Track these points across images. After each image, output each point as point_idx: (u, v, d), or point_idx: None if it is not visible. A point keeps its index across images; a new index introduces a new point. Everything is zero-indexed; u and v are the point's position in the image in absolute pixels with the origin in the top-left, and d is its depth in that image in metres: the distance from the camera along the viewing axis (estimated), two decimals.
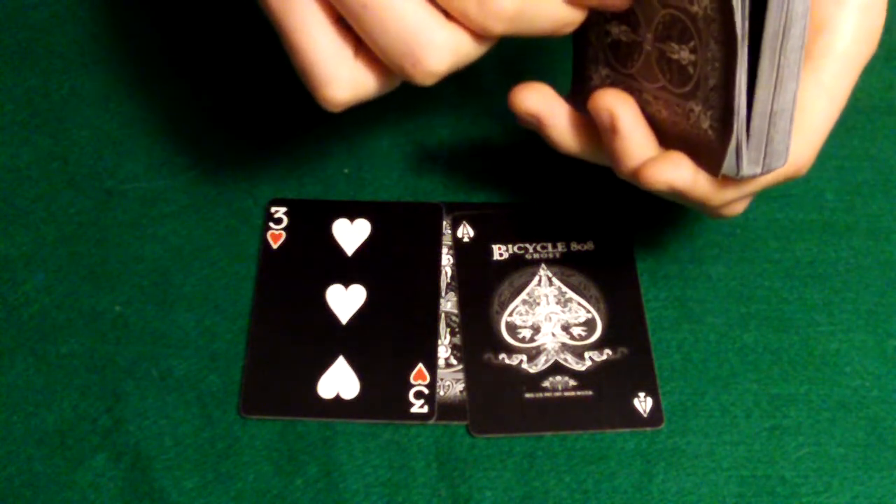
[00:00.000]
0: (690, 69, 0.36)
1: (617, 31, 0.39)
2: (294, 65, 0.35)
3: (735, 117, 0.35)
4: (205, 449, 0.41)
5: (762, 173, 0.36)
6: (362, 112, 0.51)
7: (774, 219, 0.47)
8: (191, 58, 0.52)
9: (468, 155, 0.49)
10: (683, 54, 0.36)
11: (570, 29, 0.36)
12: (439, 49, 0.34)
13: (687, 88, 0.37)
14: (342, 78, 0.35)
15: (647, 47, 0.38)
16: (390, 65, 0.34)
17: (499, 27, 0.34)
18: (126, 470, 0.41)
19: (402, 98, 0.51)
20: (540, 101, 0.39)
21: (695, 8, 0.35)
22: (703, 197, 0.37)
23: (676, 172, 0.37)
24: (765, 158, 0.36)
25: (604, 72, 0.40)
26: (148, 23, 0.53)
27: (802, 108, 0.37)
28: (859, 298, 0.45)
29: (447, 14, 0.34)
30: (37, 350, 0.43)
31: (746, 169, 0.36)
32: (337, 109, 0.36)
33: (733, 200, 0.38)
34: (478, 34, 0.34)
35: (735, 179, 0.37)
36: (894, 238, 0.47)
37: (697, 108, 0.37)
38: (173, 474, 0.40)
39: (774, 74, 0.35)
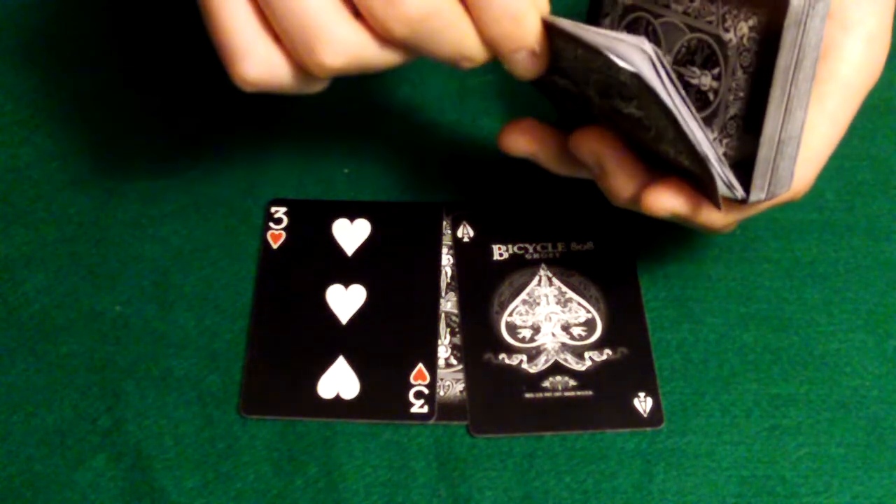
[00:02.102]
0: (711, 95, 0.37)
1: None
2: (211, 38, 0.35)
3: (710, 164, 0.35)
4: (205, 449, 0.41)
5: (766, 199, 0.37)
6: (363, 112, 0.51)
7: (774, 219, 0.47)
8: (191, 58, 0.52)
9: (468, 155, 0.49)
10: (704, 80, 0.37)
11: (468, 65, 0.35)
12: (336, 44, 0.33)
13: (704, 114, 0.37)
14: (257, 54, 0.34)
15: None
16: (289, 50, 0.34)
17: (399, 30, 0.33)
18: (126, 470, 0.41)
19: (402, 98, 0.51)
20: (526, 144, 0.40)
21: (729, 35, 0.36)
22: (706, 221, 0.38)
23: (677, 200, 0.37)
24: (769, 186, 0.37)
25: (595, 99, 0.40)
26: (148, 23, 0.53)
27: (805, 133, 0.37)
28: (859, 298, 0.45)
29: (356, 13, 0.33)
30: (37, 350, 0.43)
31: (752, 195, 0.36)
32: (249, 88, 0.35)
33: (734, 223, 0.39)
34: (381, 37, 0.34)
35: (736, 203, 0.37)
36: (894, 238, 0.47)
37: (713, 135, 0.37)
38: (173, 474, 0.40)
39: (784, 104, 0.35)
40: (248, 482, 0.40)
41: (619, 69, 0.32)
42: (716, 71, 0.36)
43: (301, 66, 0.34)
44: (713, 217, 0.38)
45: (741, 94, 0.36)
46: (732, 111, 0.36)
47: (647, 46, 0.33)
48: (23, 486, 0.40)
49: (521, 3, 0.34)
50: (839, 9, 0.39)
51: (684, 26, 0.37)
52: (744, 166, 0.36)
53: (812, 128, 0.38)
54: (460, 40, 0.34)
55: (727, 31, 0.36)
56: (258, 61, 0.34)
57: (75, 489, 0.40)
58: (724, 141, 0.37)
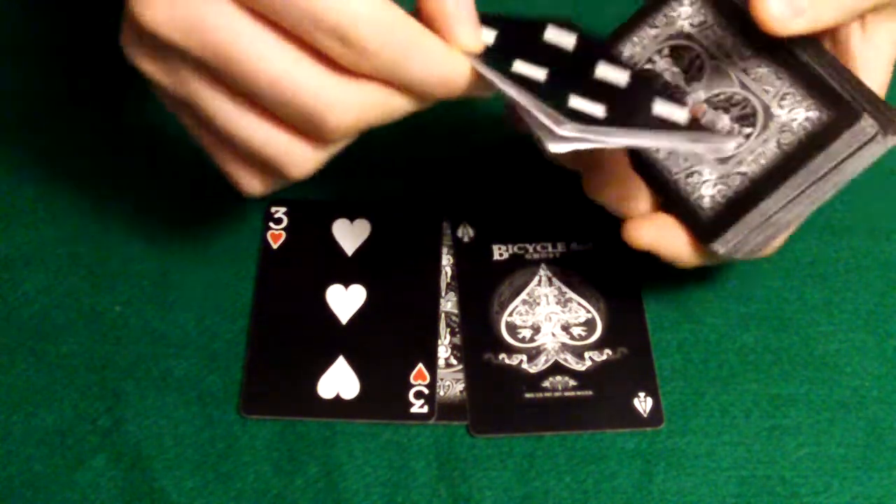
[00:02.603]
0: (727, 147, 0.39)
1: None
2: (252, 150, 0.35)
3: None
4: (205, 449, 0.41)
5: (723, 254, 0.38)
6: None
7: None
8: None
9: (468, 155, 0.49)
10: (724, 124, 0.39)
11: (455, 86, 0.33)
12: (338, 106, 0.32)
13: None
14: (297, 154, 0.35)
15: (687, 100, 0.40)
16: (301, 132, 0.33)
17: (366, 65, 0.31)
18: (126, 470, 0.41)
19: None
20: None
21: (780, 112, 0.37)
22: (674, 257, 0.40)
23: (659, 233, 0.39)
24: (734, 246, 0.38)
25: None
26: None
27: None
28: (859, 298, 0.45)
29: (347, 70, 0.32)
30: (37, 350, 0.43)
31: (717, 245, 0.38)
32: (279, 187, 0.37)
33: (695, 265, 0.40)
34: (379, 81, 0.33)
35: (702, 249, 0.39)
36: (894, 238, 0.47)
37: (707, 175, 0.39)
38: (173, 474, 0.40)
39: (794, 196, 0.37)
40: (248, 482, 0.40)
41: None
42: (747, 130, 0.38)
43: (319, 141, 0.34)
44: (681, 252, 0.39)
45: (762, 162, 0.37)
46: (745, 169, 0.38)
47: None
48: (23, 486, 0.40)
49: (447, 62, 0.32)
50: None
51: (737, 81, 0.39)
52: (724, 218, 0.38)
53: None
54: (436, 60, 0.32)
55: (781, 108, 0.38)
56: (301, 164, 0.35)
57: (75, 489, 0.40)
58: (718, 187, 0.38)
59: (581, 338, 0.44)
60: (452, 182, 0.48)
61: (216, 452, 0.41)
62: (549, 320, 0.44)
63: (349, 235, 0.46)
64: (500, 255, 0.46)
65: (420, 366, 0.43)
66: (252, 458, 0.41)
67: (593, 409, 0.42)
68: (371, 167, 0.49)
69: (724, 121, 0.38)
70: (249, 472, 0.41)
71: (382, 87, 0.33)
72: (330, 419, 0.42)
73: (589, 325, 0.44)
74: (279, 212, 0.47)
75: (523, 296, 0.45)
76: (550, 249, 0.46)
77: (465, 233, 0.47)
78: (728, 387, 0.43)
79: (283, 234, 0.46)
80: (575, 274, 0.45)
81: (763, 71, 0.38)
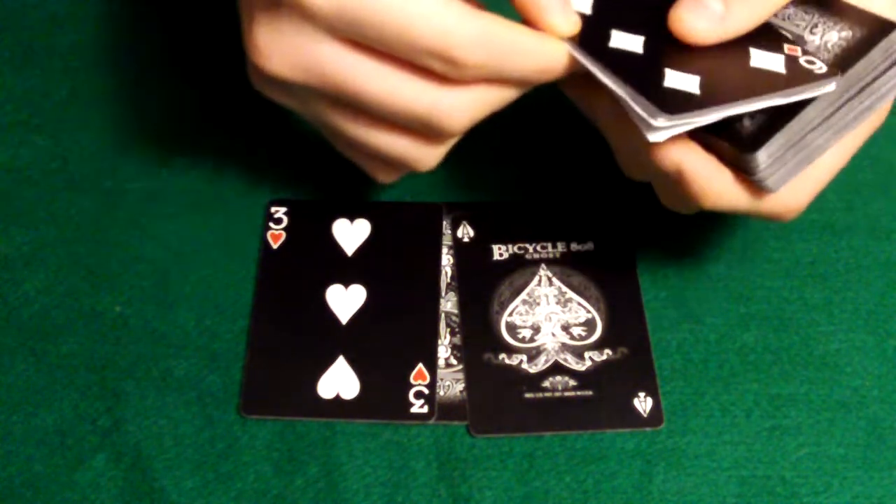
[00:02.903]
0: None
1: None
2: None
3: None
4: (205, 449, 0.41)
5: (762, 171, 0.36)
6: None
7: None
8: (191, 58, 0.52)
9: (468, 155, 0.49)
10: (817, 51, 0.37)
11: (555, 72, 0.35)
12: (454, 112, 0.35)
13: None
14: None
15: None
16: (420, 136, 0.37)
17: (469, 75, 0.34)
18: (126, 470, 0.41)
19: None
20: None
21: (813, 38, 0.37)
22: (704, 189, 0.37)
23: (692, 157, 0.36)
24: (775, 161, 0.36)
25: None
26: (148, 23, 0.53)
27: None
28: (859, 298, 0.45)
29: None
30: (37, 350, 0.43)
31: (760, 153, 0.36)
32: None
33: (719, 208, 0.38)
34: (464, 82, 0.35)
35: (746, 182, 0.37)
36: (894, 238, 0.47)
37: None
38: (173, 474, 0.40)
39: (831, 110, 0.36)
40: (248, 482, 0.40)
41: None
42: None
43: (439, 140, 0.37)
44: (710, 179, 0.37)
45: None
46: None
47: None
48: (23, 486, 0.40)
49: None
50: None
51: (768, 22, 0.37)
52: (766, 129, 0.36)
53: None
54: (534, 49, 0.34)
55: (813, 34, 0.37)
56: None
57: (75, 489, 0.40)
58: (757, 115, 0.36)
59: (581, 338, 0.44)
60: (452, 182, 0.48)
61: (216, 452, 0.41)
62: (549, 320, 0.44)
63: (349, 235, 0.46)
64: (500, 255, 0.46)
65: (420, 366, 0.43)
66: (252, 458, 0.41)
67: (593, 409, 0.42)
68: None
69: (816, 48, 0.37)
70: (249, 472, 0.41)
71: (489, 87, 0.35)
72: (330, 419, 0.42)
73: (589, 325, 0.44)
74: (279, 212, 0.47)
75: (523, 296, 0.45)
76: (550, 249, 0.46)
77: (465, 233, 0.47)
78: (728, 387, 0.43)
79: (283, 234, 0.46)
80: (575, 274, 0.45)
81: (790, 11, 0.38)
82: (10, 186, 0.48)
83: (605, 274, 0.45)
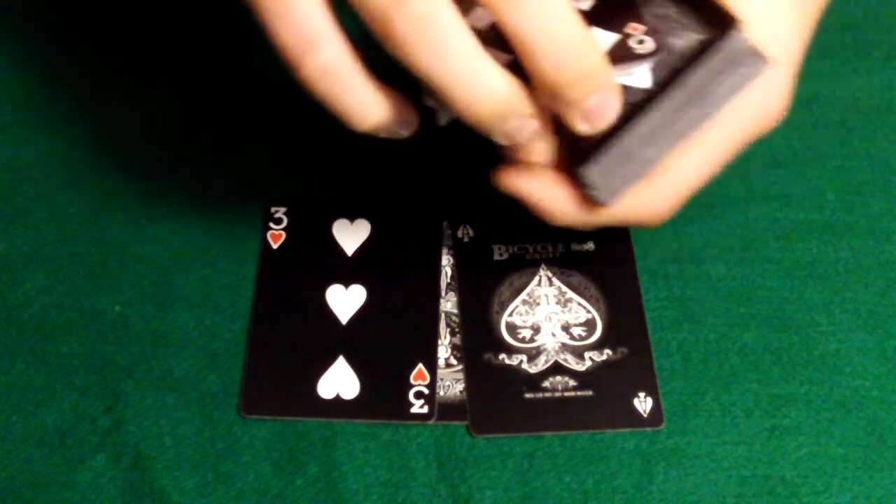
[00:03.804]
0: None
1: None
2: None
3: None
4: (205, 449, 0.41)
5: (594, 184, 0.35)
6: None
7: (774, 219, 0.47)
8: (191, 58, 0.52)
9: (468, 155, 0.49)
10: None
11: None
12: (488, 91, 0.31)
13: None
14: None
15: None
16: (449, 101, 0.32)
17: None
18: (126, 470, 0.41)
19: None
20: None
21: (680, 42, 0.35)
22: (547, 212, 0.36)
23: (529, 184, 0.36)
24: (606, 173, 0.35)
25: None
26: (148, 23, 0.53)
27: (672, 161, 0.36)
28: (859, 298, 0.45)
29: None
30: (37, 350, 0.43)
31: (588, 169, 0.35)
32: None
33: (573, 225, 0.37)
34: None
35: (588, 201, 0.36)
36: (894, 238, 0.47)
37: None
38: (173, 474, 0.40)
39: (662, 125, 0.34)
40: (248, 482, 0.40)
41: None
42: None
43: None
44: (556, 210, 0.36)
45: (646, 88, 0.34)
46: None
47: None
48: (23, 486, 0.40)
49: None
50: None
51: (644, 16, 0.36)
52: (599, 144, 0.34)
53: (681, 159, 0.36)
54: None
55: (680, 37, 0.35)
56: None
57: (75, 489, 0.40)
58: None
59: (581, 338, 0.44)
60: (452, 182, 0.48)
61: (216, 452, 0.41)
62: (549, 320, 0.44)
63: (349, 235, 0.46)
64: (500, 255, 0.46)
65: (420, 366, 0.43)
66: (252, 458, 0.41)
67: (593, 409, 0.42)
68: (371, 167, 0.49)
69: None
70: (249, 472, 0.41)
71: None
72: (330, 419, 0.42)
73: (589, 325, 0.44)
74: (279, 212, 0.47)
75: (523, 296, 0.45)
76: (550, 249, 0.46)
77: (465, 233, 0.47)
78: (728, 387, 0.43)
79: (283, 234, 0.46)
80: (575, 274, 0.45)
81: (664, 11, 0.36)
82: (10, 186, 0.48)
83: (605, 274, 0.45)
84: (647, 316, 0.44)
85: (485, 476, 0.41)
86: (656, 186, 0.36)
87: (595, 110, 0.31)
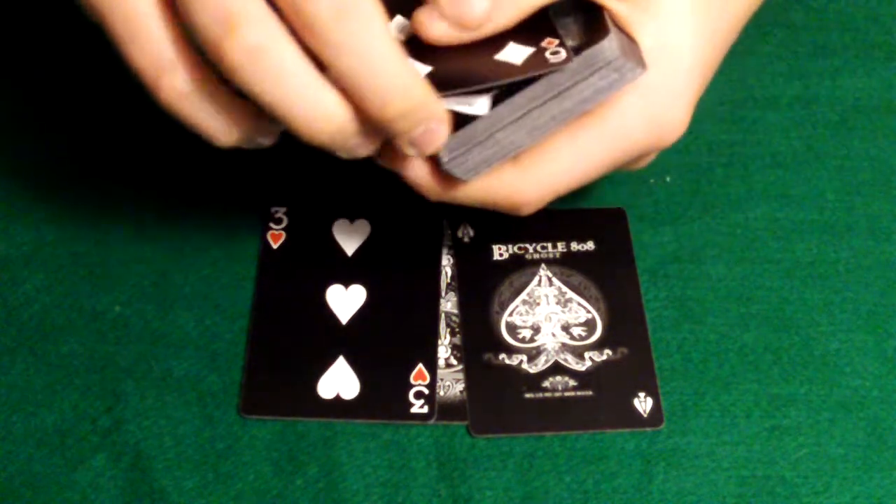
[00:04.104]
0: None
1: None
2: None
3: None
4: (205, 449, 0.41)
5: (447, 165, 0.36)
6: None
7: (774, 219, 0.47)
8: None
9: None
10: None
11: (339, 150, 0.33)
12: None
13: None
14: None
15: None
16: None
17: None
18: (126, 470, 0.41)
19: None
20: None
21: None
22: (414, 185, 0.37)
23: (402, 160, 0.36)
24: (458, 155, 0.35)
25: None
26: None
27: (546, 152, 0.36)
28: (859, 298, 0.45)
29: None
30: (37, 350, 0.43)
31: (443, 154, 0.35)
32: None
33: (440, 200, 0.38)
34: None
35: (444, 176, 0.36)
36: (894, 238, 0.47)
37: None
38: (173, 474, 0.40)
39: (519, 114, 0.35)
40: (248, 482, 0.40)
41: None
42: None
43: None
44: (418, 176, 0.36)
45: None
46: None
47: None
48: (23, 486, 0.40)
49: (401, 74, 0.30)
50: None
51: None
52: (455, 126, 0.35)
53: (557, 153, 0.37)
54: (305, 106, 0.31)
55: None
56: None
57: (75, 489, 0.40)
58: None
59: (581, 338, 0.44)
60: None
61: (216, 452, 0.41)
62: (549, 320, 0.44)
63: (349, 235, 0.46)
64: (500, 255, 0.46)
65: (420, 366, 0.43)
66: (252, 458, 0.41)
67: (593, 409, 0.42)
68: (371, 167, 0.49)
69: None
70: (249, 472, 0.41)
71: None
72: (330, 419, 0.42)
73: (589, 325, 0.44)
74: (279, 212, 0.47)
75: (523, 296, 0.45)
76: (550, 249, 0.46)
77: (465, 233, 0.47)
78: (728, 387, 0.43)
79: (283, 234, 0.46)
80: (575, 274, 0.45)
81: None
82: (11, 186, 0.48)
83: (605, 274, 0.45)
84: (647, 316, 0.44)
85: (485, 476, 0.41)
86: (523, 170, 0.37)
87: (421, 139, 0.32)
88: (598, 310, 0.44)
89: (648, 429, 0.42)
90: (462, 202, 0.38)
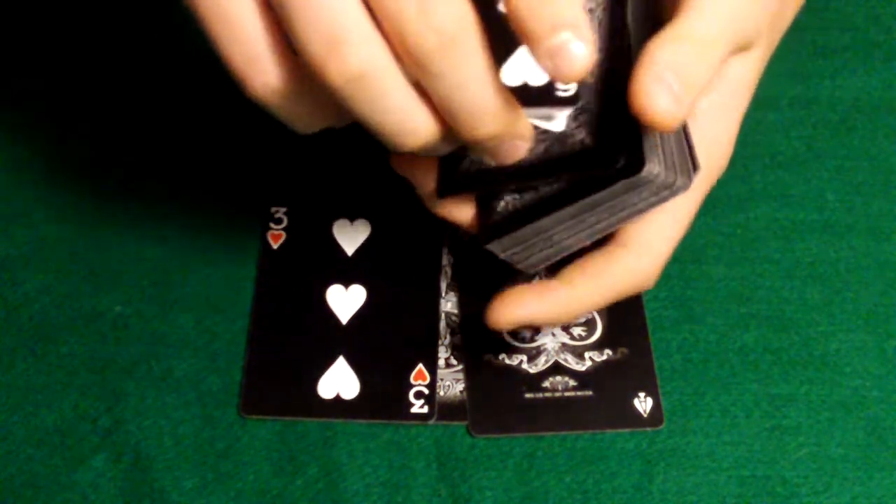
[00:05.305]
0: None
1: None
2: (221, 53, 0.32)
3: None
4: (205, 449, 0.41)
5: (504, 258, 0.37)
6: None
7: (774, 219, 0.47)
8: (192, 58, 0.52)
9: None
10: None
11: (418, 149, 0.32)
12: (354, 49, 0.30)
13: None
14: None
15: None
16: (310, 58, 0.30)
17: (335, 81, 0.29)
18: (126, 470, 0.41)
19: None
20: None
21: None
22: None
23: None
24: (513, 253, 0.37)
25: None
26: (149, 24, 0.53)
27: (646, 225, 0.37)
28: (859, 298, 0.45)
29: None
30: (37, 350, 0.43)
31: (492, 246, 0.37)
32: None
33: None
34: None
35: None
36: (894, 238, 0.47)
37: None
38: (173, 474, 0.40)
39: (570, 222, 0.35)
40: (248, 482, 0.40)
41: None
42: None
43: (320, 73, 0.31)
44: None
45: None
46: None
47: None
48: (23, 486, 0.40)
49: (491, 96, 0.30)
50: None
51: None
52: (504, 225, 0.36)
53: (656, 224, 0.37)
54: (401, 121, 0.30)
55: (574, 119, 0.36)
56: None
57: (75, 489, 0.40)
58: (515, 195, 0.37)
59: (581, 338, 0.44)
60: None
61: (216, 452, 0.41)
62: None
63: (349, 235, 0.46)
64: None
65: (420, 366, 0.43)
66: (252, 458, 0.41)
67: (593, 409, 0.42)
68: (371, 167, 0.49)
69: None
70: (249, 472, 0.41)
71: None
72: (330, 419, 0.42)
73: (589, 325, 0.44)
74: (279, 212, 0.47)
75: None
76: None
77: (465, 233, 0.47)
78: (728, 387, 0.43)
79: (283, 234, 0.46)
80: None
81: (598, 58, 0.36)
82: (10, 186, 0.48)
83: None
84: (647, 316, 0.44)
85: (485, 476, 0.41)
86: (636, 253, 0.37)
87: (503, 153, 0.33)
88: (598, 310, 0.44)
89: (648, 429, 0.42)
90: (592, 310, 0.39)
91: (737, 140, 0.39)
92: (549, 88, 0.32)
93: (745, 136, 0.50)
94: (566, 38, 0.28)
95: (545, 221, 0.35)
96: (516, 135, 0.32)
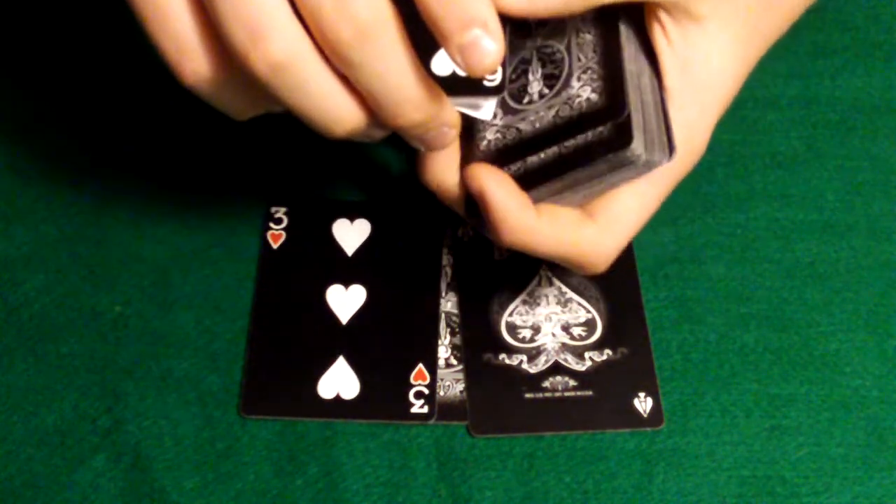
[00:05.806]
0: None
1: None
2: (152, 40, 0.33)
3: None
4: (205, 449, 0.41)
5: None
6: None
7: (774, 219, 0.47)
8: None
9: None
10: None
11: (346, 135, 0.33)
12: (280, 36, 0.30)
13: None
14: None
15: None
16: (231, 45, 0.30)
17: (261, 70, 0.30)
18: (126, 470, 0.41)
19: None
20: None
21: (576, 85, 0.37)
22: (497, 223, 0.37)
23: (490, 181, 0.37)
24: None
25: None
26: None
27: (612, 203, 0.38)
28: (859, 298, 0.45)
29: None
30: (37, 350, 0.43)
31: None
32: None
33: (515, 244, 0.38)
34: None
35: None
36: (894, 238, 0.47)
37: (497, 120, 0.39)
38: (173, 474, 0.40)
39: (556, 188, 0.37)
40: (248, 482, 0.40)
41: None
42: (545, 91, 0.38)
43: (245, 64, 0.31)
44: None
45: (537, 126, 0.37)
46: (522, 126, 0.37)
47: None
48: (23, 486, 0.40)
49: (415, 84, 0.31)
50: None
51: (567, 40, 0.38)
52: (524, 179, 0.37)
53: (623, 206, 0.38)
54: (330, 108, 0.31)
55: (579, 80, 0.37)
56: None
57: (75, 489, 0.40)
58: (497, 134, 0.38)
59: (581, 338, 0.44)
60: None
61: (216, 452, 0.41)
62: (550, 320, 0.44)
63: (349, 235, 0.46)
64: (500, 255, 0.46)
65: (420, 366, 0.43)
66: (252, 458, 0.41)
67: (593, 409, 0.42)
68: (371, 167, 0.49)
69: (569, 95, 0.37)
70: (249, 472, 0.41)
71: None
72: (330, 419, 0.42)
73: (589, 325, 0.44)
74: (279, 212, 0.47)
75: (523, 296, 0.45)
76: None
77: (465, 233, 0.47)
78: (728, 387, 0.43)
79: (283, 234, 0.46)
80: (575, 274, 0.45)
81: (588, 38, 0.38)
82: (11, 186, 0.48)
83: (605, 274, 0.45)
84: (647, 316, 0.44)
85: (485, 476, 0.41)
86: (600, 227, 0.38)
87: (431, 139, 0.34)
88: (598, 310, 0.44)
89: (648, 429, 0.42)
90: (539, 253, 0.38)
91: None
92: (476, 78, 0.33)
93: (745, 136, 0.50)
94: (477, 35, 0.29)
95: (532, 194, 0.36)
96: (442, 122, 0.33)
